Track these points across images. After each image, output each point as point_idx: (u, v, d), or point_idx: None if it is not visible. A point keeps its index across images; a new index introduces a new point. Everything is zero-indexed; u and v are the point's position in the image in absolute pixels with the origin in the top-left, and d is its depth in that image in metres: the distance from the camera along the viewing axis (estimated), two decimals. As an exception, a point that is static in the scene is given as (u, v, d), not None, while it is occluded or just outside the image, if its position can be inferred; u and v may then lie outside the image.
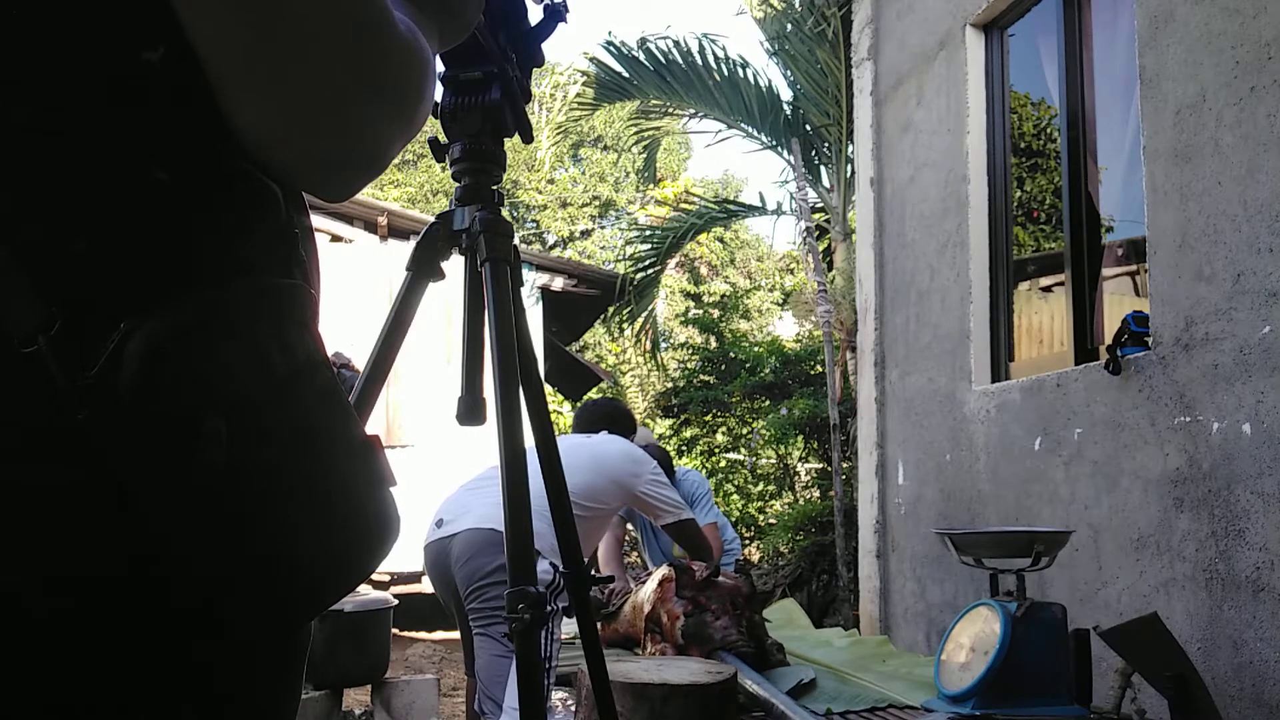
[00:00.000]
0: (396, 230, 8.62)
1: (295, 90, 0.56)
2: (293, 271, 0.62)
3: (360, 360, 1.49)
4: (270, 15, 0.54)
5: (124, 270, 0.53)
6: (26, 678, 0.50)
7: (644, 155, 9.25)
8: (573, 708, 2.60)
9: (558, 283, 9.16)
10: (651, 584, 3.00)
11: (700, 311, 13.83)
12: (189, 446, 0.52)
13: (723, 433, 10.43)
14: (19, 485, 0.49)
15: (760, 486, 10.26)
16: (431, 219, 1.48)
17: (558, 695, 2.77)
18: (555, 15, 1.41)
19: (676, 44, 7.46)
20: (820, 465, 8.85)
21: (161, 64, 0.55)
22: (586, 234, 20.81)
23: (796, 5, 7.25)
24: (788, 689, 2.61)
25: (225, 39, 0.55)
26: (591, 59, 7.91)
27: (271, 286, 0.59)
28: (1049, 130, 4.02)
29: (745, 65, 7.50)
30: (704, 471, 9.56)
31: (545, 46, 1.44)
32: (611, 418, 3.28)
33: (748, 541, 9.36)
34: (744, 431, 10.08)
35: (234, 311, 0.56)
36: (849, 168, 6.97)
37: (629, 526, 4.79)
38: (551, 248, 20.20)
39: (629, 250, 10.17)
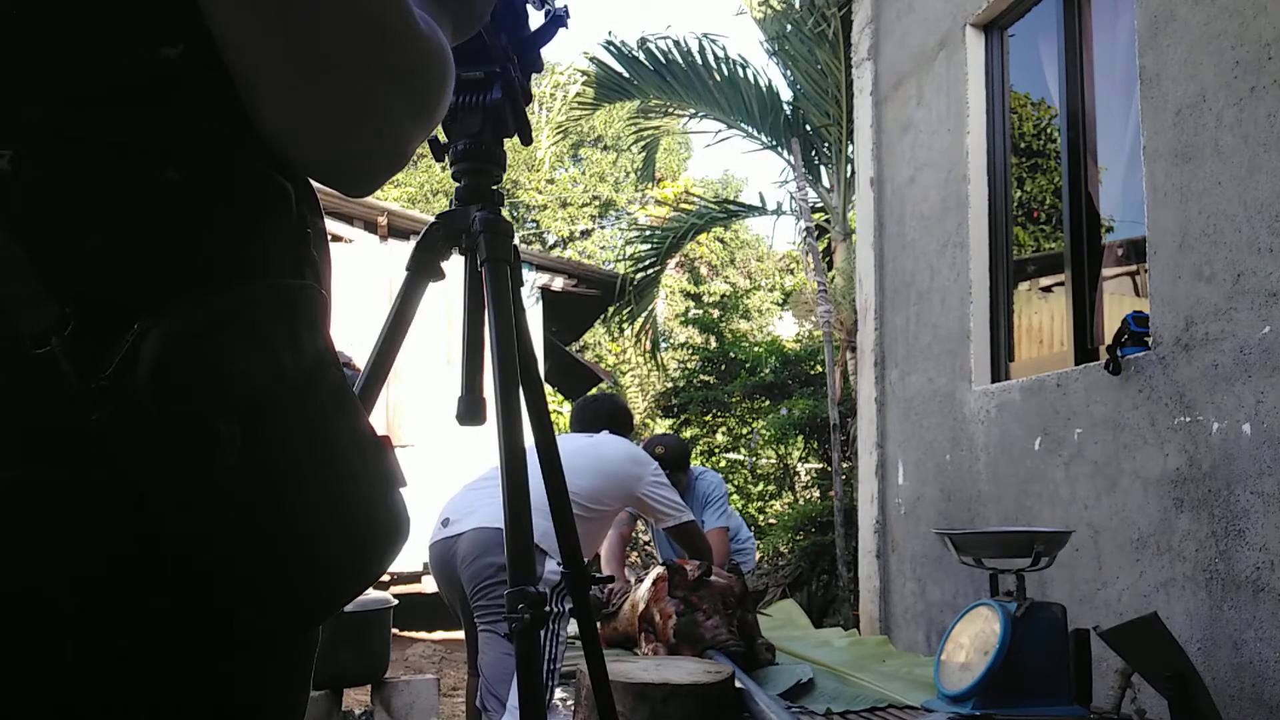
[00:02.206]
0: (396, 230, 8.63)
1: (322, 89, 0.57)
2: (304, 272, 0.62)
3: (362, 359, 1.49)
4: (296, 16, 0.55)
5: (137, 270, 0.53)
6: (40, 679, 0.50)
7: (643, 155, 9.25)
8: (572, 707, 2.60)
9: (558, 283, 9.16)
10: (646, 583, 3.01)
11: (700, 311, 13.84)
12: (204, 448, 0.52)
13: (723, 433, 10.43)
14: (33, 486, 0.49)
15: (760, 486, 10.27)
16: (431, 219, 1.48)
17: (560, 695, 2.77)
18: (557, 21, 1.41)
19: (676, 44, 7.46)
20: (820, 465, 8.85)
21: (180, 62, 0.55)
22: (586, 234, 20.79)
23: (796, 5, 7.24)
24: (785, 688, 2.61)
25: (253, 40, 0.55)
26: (591, 59, 7.90)
27: (284, 287, 0.59)
28: (1049, 130, 4.02)
29: (745, 65, 7.50)
30: (705, 472, 9.55)
31: (545, 50, 1.44)
32: (612, 416, 3.28)
33: (748, 541, 9.35)
34: (744, 431, 10.09)
35: (247, 312, 0.56)
36: (849, 168, 6.96)
37: (639, 524, 4.76)
38: (551, 248, 20.19)
39: (629, 250, 10.17)
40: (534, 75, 1.45)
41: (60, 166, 0.52)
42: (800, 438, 8.43)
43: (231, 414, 0.53)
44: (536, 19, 1.41)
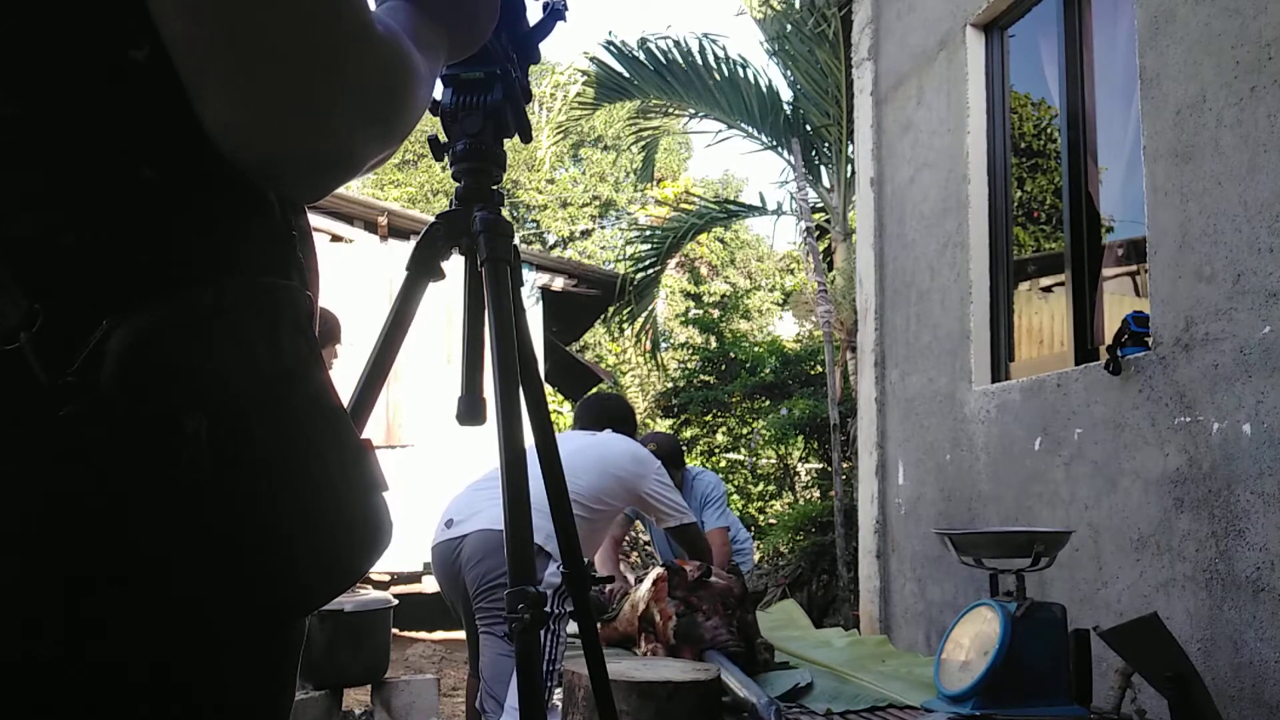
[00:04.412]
0: (396, 230, 8.62)
1: (261, 90, 0.56)
2: (290, 273, 0.61)
3: (359, 361, 1.49)
4: (237, 14, 0.54)
5: (110, 268, 0.53)
6: (18, 679, 0.50)
7: (643, 155, 9.24)
8: (559, 707, 2.59)
9: (558, 283, 9.16)
10: (646, 584, 3.00)
11: (700, 311, 13.85)
12: (169, 445, 0.52)
13: (723, 433, 10.44)
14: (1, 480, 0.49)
15: (760, 486, 10.28)
16: (431, 219, 1.48)
17: (560, 696, 2.77)
18: (555, 15, 1.41)
19: (677, 44, 7.46)
20: (820, 465, 8.86)
21: (148, 63, 0.55)
22: (586, 234, 20.80)
23: (796, 5, 7.25)
24: (783, 692, 2.61)
25: (193, 37, 0.54)
26: (591, 59, 7.90)
27: (264, 287, 0.59)
28: (1049, 130, 4.02)
29: (745, 65, 7.50)
30: (704, 472, 9.56)
31: (544, 45, 1.44)
32: (614, 416, 3.28)
33: (748, 541, 9.36)
34: (744, 431, 10.09)
35: (221, 311, 0.55)
36: (849, 168, 6.97)
37: (638, 525, 4.76)
38: (551, 248, 20.19)
39: (629, 250, 10.17)
40: (532, 68, 1.44)
41: (34, 164, 0.52)
42: (800, 438, 8.44)
43: (200, 410, 0.53)
44: (534, 11, 1.41)
